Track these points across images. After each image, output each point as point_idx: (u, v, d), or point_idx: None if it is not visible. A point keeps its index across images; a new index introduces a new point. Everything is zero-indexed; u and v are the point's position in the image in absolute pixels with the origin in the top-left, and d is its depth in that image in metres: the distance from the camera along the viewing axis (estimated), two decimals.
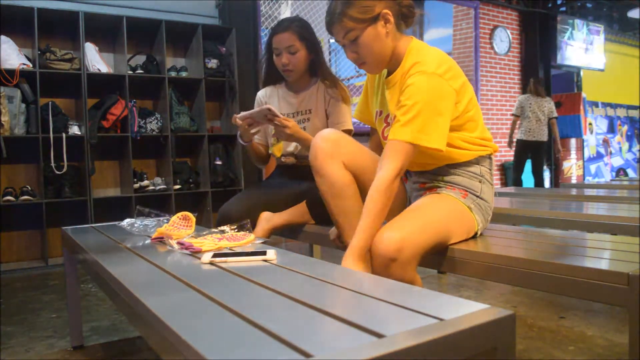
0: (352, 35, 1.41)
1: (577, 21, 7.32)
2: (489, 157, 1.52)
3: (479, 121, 1.49)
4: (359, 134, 4.21)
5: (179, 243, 1.40)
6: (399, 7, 1.44)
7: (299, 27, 1.98)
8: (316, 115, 2.07)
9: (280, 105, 2.13)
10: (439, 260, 1.39)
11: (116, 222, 2.01)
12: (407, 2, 1.45)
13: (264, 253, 1.24)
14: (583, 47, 7.44)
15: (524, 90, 7.00)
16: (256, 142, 2.17)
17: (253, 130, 1.93)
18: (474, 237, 1.49)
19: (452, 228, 1.40)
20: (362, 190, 1.49)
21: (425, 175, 1.55)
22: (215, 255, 1.24)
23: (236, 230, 1.57)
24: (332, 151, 1.47)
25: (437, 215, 1.39)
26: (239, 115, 1.86)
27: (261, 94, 2.20)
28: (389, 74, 1.53)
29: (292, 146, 2.11)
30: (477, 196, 1.48)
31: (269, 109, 1.81)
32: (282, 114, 2.00)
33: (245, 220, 1.57)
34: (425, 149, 1.35)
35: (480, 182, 1.49)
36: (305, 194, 1.93)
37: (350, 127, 2.05)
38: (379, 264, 1.23)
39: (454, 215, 1.42)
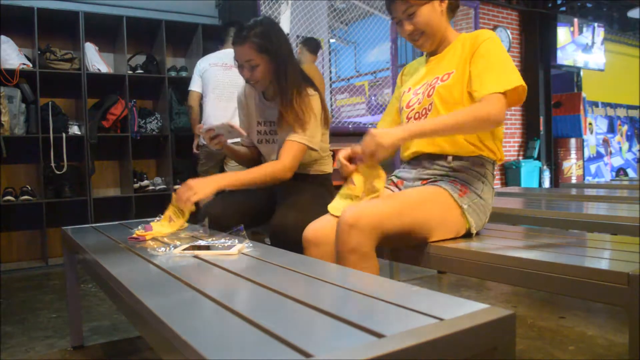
0: (411, 10, 1.50)
1: (577, 21, 7.32)
2: (493, 163, 1.57)
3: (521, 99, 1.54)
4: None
5: (130, 238, 1.54)
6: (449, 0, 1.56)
7: (259, 36, 1.76)
8: (284, 129, 1.86)
9: (257, 109, 2.01)
10: (438, 260, 1.39)
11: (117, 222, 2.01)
12: None
13: (232, 246, 1.31)
14: (583, 47, 7.44)
15: None
16: (245, 143, 2.12)
17: (215, 142, 1.85)
18: (470, 235, 1.50)
19: (432, 218, 1.41)
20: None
21: (427, 171, 1.56)
22: (187, 249, 1.32)
23: (228, 237, 1.53)
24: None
25: (416, 201, 1.41)
26: (203, 128, 1.85)
27: (241, 92, 2.06)
28: (431, 57, 1.62)
29: (274, 155, 1.95)
30: (478, 195, 1.50)
31: (231, 126, 1.78)
32: (257, 121, 1.99)
33: (237, 226, 1.51)
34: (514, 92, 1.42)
35: (482, 182, 1.52)
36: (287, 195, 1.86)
37: (316, 146, 1.85)
38: (341, 231, 1.30)
39: (438, 207, 1.43)
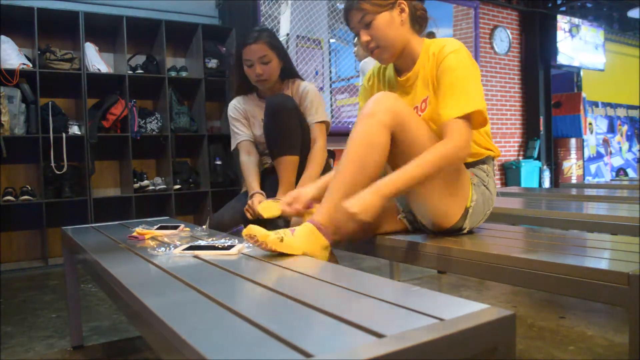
0: (367, 19, 1.45)
1: (577, 21, 7.32)
2: (493, 158, 1.59)
3: (487, 120, 1.52)
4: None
5: (130, 237, 1.58)
6: (414, 10, 1.50)
7: (269, 36, 2.04)
8: None
9: (257, 112, 2.18)
10: (438, 260, 1.39)
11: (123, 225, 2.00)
12: (420, 6, 1.52)
13: (232, 246, 1.31)
14: (583, 47, 7.44)
15: (524, 90, 7.00)
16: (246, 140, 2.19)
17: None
18: (469, 232, 1.52)
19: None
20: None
21: None
22: (187, 249, 1.32)
23: (228, 237, 1.53)
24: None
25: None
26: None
27: (235, 103, 2.21)
28: (401, 73, 1.55)
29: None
30: (484, 185, 1.54)
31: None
32: (261, 119, 2.10)
33: (237, 226, 1.52)
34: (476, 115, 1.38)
35: (487, 175, 1.56)
36: None
37: (326, 119, 2.13)
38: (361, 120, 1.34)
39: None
